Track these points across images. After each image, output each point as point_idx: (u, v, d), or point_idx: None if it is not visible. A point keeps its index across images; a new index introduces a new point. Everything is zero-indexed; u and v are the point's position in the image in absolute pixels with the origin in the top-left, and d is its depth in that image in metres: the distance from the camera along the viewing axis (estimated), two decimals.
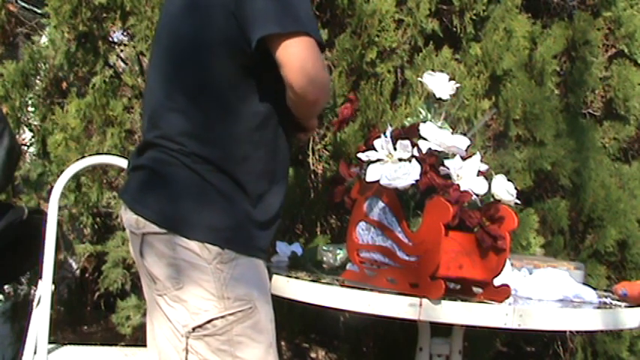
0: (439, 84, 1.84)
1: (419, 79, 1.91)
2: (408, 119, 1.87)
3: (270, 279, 1.72)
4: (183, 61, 1.64)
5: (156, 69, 1.73)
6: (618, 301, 2.02)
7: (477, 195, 1.70)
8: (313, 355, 3.17)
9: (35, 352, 2.10)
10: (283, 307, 1.68)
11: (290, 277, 1.81)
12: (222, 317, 1.57)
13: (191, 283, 1.58)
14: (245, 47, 1.55)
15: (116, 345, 2.48)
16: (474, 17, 2.74)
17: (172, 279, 1.59)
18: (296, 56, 1.54)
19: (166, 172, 1.62)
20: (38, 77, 2.75)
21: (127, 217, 1.66)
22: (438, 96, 1.83)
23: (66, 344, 2.28)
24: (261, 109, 1.62)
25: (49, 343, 2.12)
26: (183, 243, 1.58)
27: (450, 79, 1.86)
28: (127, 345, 2.52)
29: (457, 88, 1.86)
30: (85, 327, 3.10)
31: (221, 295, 1.58)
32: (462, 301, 1.69)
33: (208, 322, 1.57)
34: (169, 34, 1.70)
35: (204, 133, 1.61)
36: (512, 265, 2.04)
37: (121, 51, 2.87)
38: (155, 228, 1.60)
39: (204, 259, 1.57)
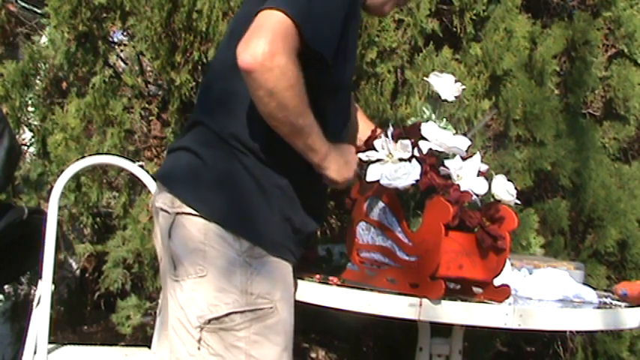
0: (445, 85, 1.83)
1: (423, 79, 1.90)
2: (412, 119, 1.86)
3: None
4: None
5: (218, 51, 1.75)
6: (618, 301, 2.02)
7: (477, 195, 1.70)
8: (313, 355, 3.17)
9: (35, 352, 2.10)
10: None
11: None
12: (241, 312, 1.53)
13: (216, 272, 1.53)
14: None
15: (116, 345, 2.48)
16: (474, 17, 2.74)
17: (197, 265, 1.55)
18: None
19: (208, 157, 1.59)
20: (38, 77, 2.74)
21: (161, 195, 1.63)
22: (443, 97, 1.82)
23: (66, 344, 2.28)
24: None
25: (49, 343, 2.12)
26: (218, 230, 1.54)
27: None
28: (127, 345, 2.52)
29: (462, 89, 1.86)
30: (85, 327, 3.10)
31: (244, 290, 1.54)
32: (462, 301, 1.69)
33: (227, 315, 1.53)
34: (235, 18, 1.72)
35: (252, 124, 1.57)
36: (512, 265, 2.04)
37: (121, 51, 2.87)
38: (191, 209, 1.56)
39: (235, 250, 1.54)
